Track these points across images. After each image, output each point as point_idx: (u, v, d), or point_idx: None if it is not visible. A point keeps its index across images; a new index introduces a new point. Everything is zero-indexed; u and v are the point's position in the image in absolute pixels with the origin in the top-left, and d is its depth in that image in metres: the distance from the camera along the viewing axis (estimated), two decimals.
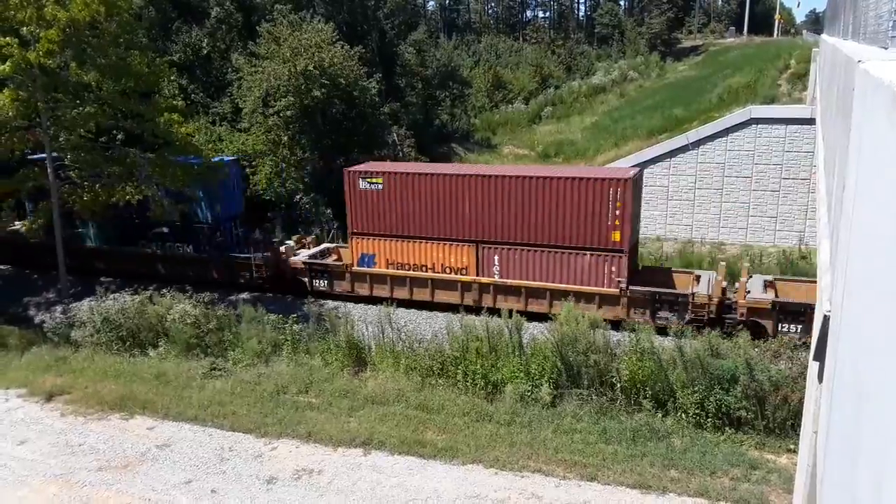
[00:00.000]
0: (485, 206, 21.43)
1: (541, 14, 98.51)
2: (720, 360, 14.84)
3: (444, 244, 22.35)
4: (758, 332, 18.26)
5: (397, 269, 23.14)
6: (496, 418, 15.15)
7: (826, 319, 4.88)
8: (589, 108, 53.82)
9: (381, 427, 15.02)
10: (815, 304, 18.89)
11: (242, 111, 32.74)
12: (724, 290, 19.98)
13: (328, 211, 30.96)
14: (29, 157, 24.70)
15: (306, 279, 24.35)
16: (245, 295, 24.65)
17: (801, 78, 39.29)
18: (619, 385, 15.33)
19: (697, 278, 20.88)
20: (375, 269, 23.42)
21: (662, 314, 19.93)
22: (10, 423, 16.13)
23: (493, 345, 16.90)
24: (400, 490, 12.95)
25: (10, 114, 19.85)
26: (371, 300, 22.87)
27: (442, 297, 22.55)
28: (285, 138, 31.31)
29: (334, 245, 26.59)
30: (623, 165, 31.82)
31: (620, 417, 14.91)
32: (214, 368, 18.09)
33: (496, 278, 21.87)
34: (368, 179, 22.84)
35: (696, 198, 29.80)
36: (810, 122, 26.73)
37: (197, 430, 15.49)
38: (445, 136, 45.92)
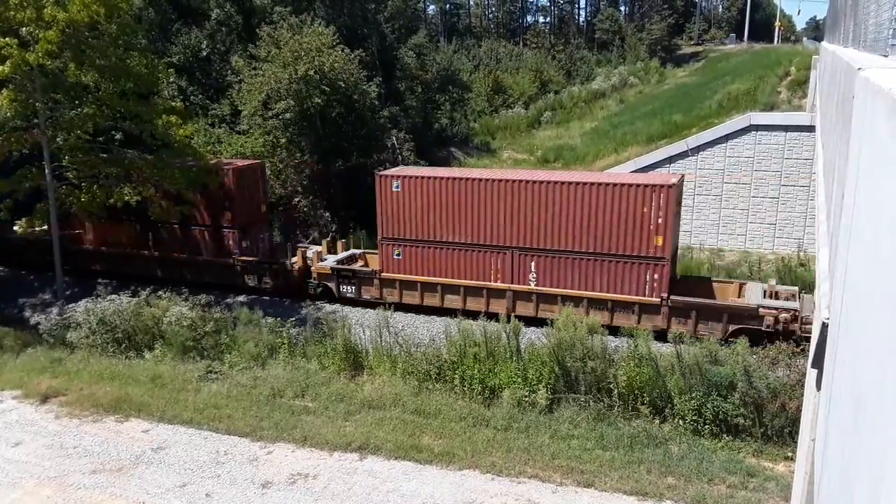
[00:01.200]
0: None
1: (541, 19, 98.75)
2: (718, 367, 14.79)
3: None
4: (330, 294, 23.50)
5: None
6: (493, 423, 15.08)
7: (825, 327, 4.84)
8: (589, 114, 53.85)
9: (377, 431, 14.94)
10: (363, 270, 23.23)
11: (242, 113, 32.72)
12: (307, 260, 24.20)
13: (326, 213, 31.26)
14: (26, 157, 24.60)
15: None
16: (242, 297, 24.62)
17: (801, 85, 39.39)
18: (616, 391, 15.26)
19: (318, 253, 24.63)
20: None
21: (266, 280, 24.57)
22: (4, 424, 16.04)
23: (490, 350, 16.84)
24: (396, 495, 12.88)
25: (9, 114, 19.81)
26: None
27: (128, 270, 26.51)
28: (283, 140, 31.30)
29: None
30: (621, 171, 31.87)
31: (618, 424, 14.84)
32: (210, 371, 18.01)
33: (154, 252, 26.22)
34: None
35: (695, 204, 29.73)
36: (810, 129, 26.71)
37: (192, 433, 15.42)
38: (445, 140, 45.86)
